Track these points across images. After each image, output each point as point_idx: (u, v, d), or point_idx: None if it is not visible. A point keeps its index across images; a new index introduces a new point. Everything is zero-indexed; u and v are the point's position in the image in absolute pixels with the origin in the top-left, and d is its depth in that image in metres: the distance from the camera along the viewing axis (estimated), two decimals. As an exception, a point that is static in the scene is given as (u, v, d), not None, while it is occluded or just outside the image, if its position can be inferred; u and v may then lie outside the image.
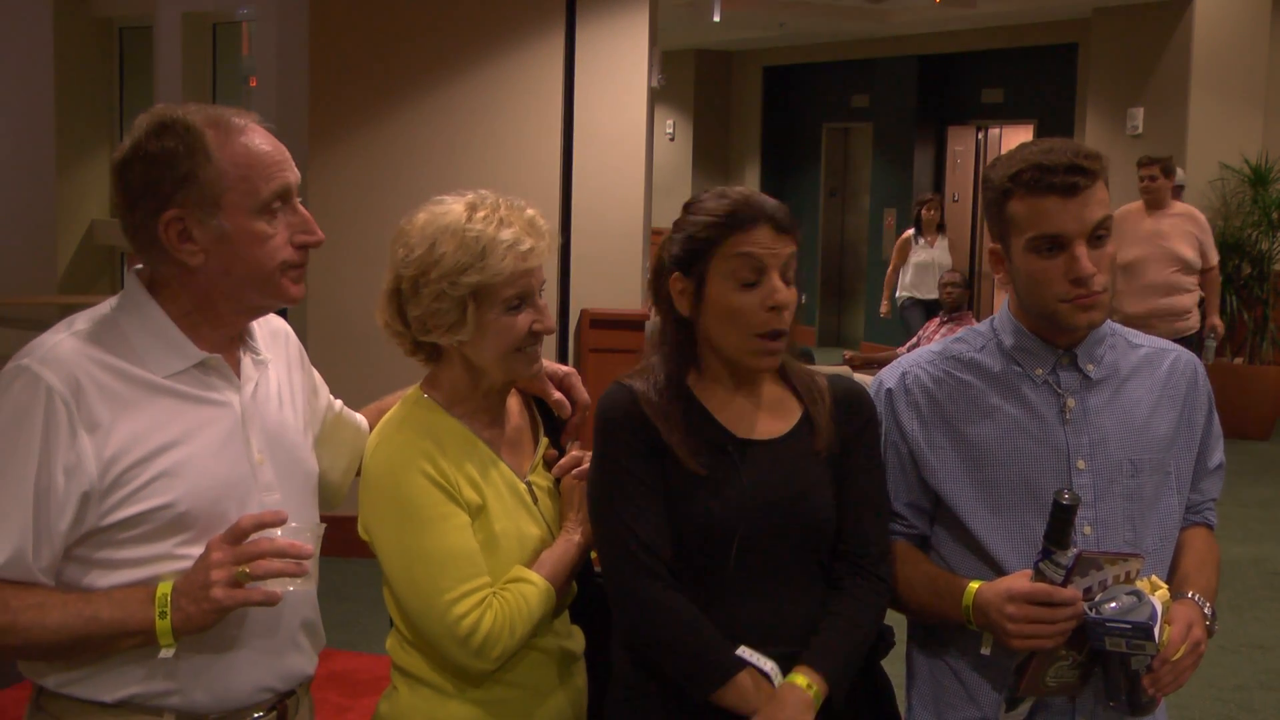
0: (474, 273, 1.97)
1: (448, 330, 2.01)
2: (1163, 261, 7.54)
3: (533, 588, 2.00)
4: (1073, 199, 1.95)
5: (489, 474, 2.05)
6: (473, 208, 2.02)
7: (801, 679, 1.94)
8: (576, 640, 2.16)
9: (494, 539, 2.02)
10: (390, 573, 2.01)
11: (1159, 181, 7.64)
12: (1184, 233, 7.64)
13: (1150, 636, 1.87)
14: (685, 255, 2.02)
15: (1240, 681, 4.96)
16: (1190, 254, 7.61)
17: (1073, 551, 1.90)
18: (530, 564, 2.04)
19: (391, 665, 2.11)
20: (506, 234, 1.99)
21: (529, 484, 2.11)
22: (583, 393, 2.23)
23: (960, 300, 8.07)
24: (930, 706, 2.15)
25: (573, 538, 2.09)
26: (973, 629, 2.00)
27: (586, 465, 2.12)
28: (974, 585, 1.98)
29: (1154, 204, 7.68)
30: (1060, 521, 1.88)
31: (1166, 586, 1.97)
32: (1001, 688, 2.04)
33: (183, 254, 1.82)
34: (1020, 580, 1.93)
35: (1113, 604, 1.89)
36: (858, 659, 2.01)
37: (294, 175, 1.88)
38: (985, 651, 1.99)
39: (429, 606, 1.96)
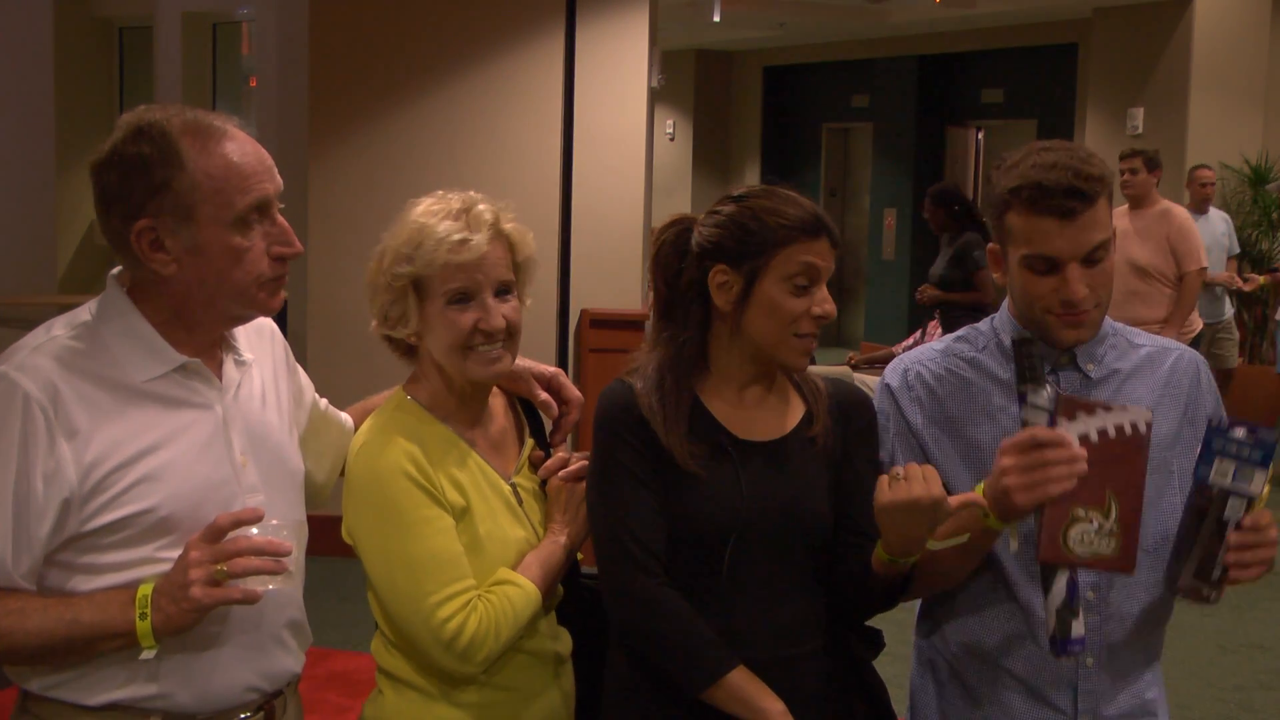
0: (408, 263, 1.97)
1: (398, 323, 2.01)
2: (1119, 267, 7.21)
3: (518, 590, 2.00)
4: (1070, 222, 1.94)
5: (472, 476, 2.04)
6: (436, 200, 2.02)
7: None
8: (563, 642, 2.15)
9: (478, 541, 2.01)
10: (374, 576, 2.00)
11: (1140, 176, 7.10)
12: (1151, 235, 7.06)
13: (1266, 464, 1.80)
14: (738, 250, 2.00)
15: (1240, 681, 4.96)
16: (1147, 258, 7.03)
17: (1047, 392, 1.87)
18: (515, 566, 2.03)
19: (376, 668, 2.10)
20: (444, 226, 1.97)
21: (513, 485, 2.10)
22: (573, 391, 2.22)
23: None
24: (933, 706, 2.15)
25: (558, 539, 2.08)
26: (991, 524, 1.90)
27: (573, 466, 2.12)
28: (982, 483, 1.92)
29: (1135, 201, 7.17)
30: (1024, 359, 1.87)
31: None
32: (1004, 687, 2.04)
33: (155, 263, 1.81)
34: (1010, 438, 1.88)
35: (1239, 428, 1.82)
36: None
37: (274, 185, 1.84)
38: (1013, 547, 1.93)
39: (413, 610, 1.95)
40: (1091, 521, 1.85)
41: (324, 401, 2.18)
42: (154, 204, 1.78)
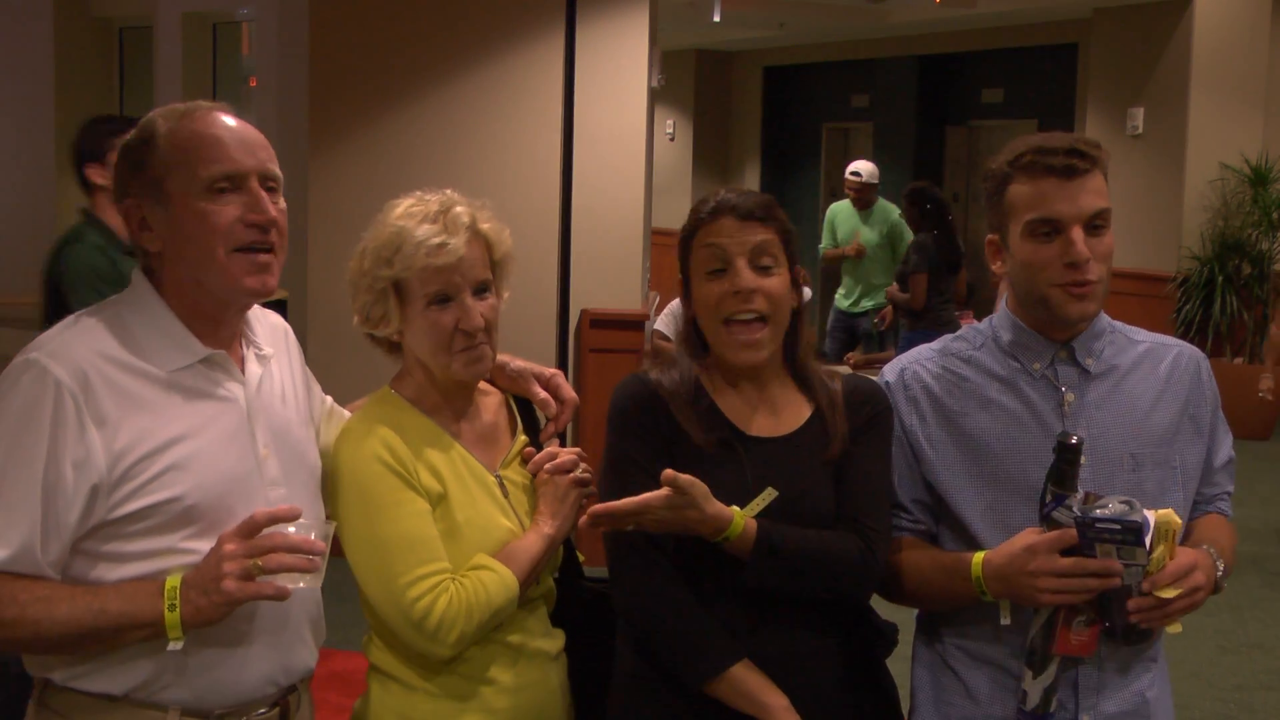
0: (387, 266, 2.00)
1: (379, 323, 2.04)
2: None
3: (493, 575, 2.00)
4: (1070, 181, 1.97)
5: (453, 464, 2.06)
6: (415, 201, 2.04)
7: (739, 511, 1.93)
8: (553, 640, 2.15)
9: (456, 527, 2.02)
10: (351, 559, 2.02)
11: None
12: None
13: (1139, 542, 1.84)
14: (679, 253, 2.08)
15: (1240, 681, 4.97)
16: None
17: (1080, 495, 1.89)
18: (498, 552, 2.04)
19: (367, 666, 2.12)
20: (422, 230, 1.99)
21: (499, 478, 2.12)
22: (570, 392, 2.24)
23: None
24: (931, 705, 2.15)
25: (543, 529, 2.08)
26: (988, 600, 1.98)
27: (560, 459, 2.13)
28: (979, 555, 1.97)
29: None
30: (1066, 464, 1.88)
31: (1180, 520, 1.93)
32: (997, 684, 2.05)
33: (144, 241, 1.87)
34: (1032, 536, 1.91)
35: (1105, 509, 1.88)
36: (802, 562, 1.95)
37: (252, 161, 1.86)
38: (1005, 621, 1.98)
39: (385, 591, 1.98)
40: (1085, 614, 1.95)
41: (329, 399, 2.21)
42: (135, 183, 1.86)
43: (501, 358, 2.20)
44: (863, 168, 8.93)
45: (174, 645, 1.76)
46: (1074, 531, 1.87)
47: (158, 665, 1.81)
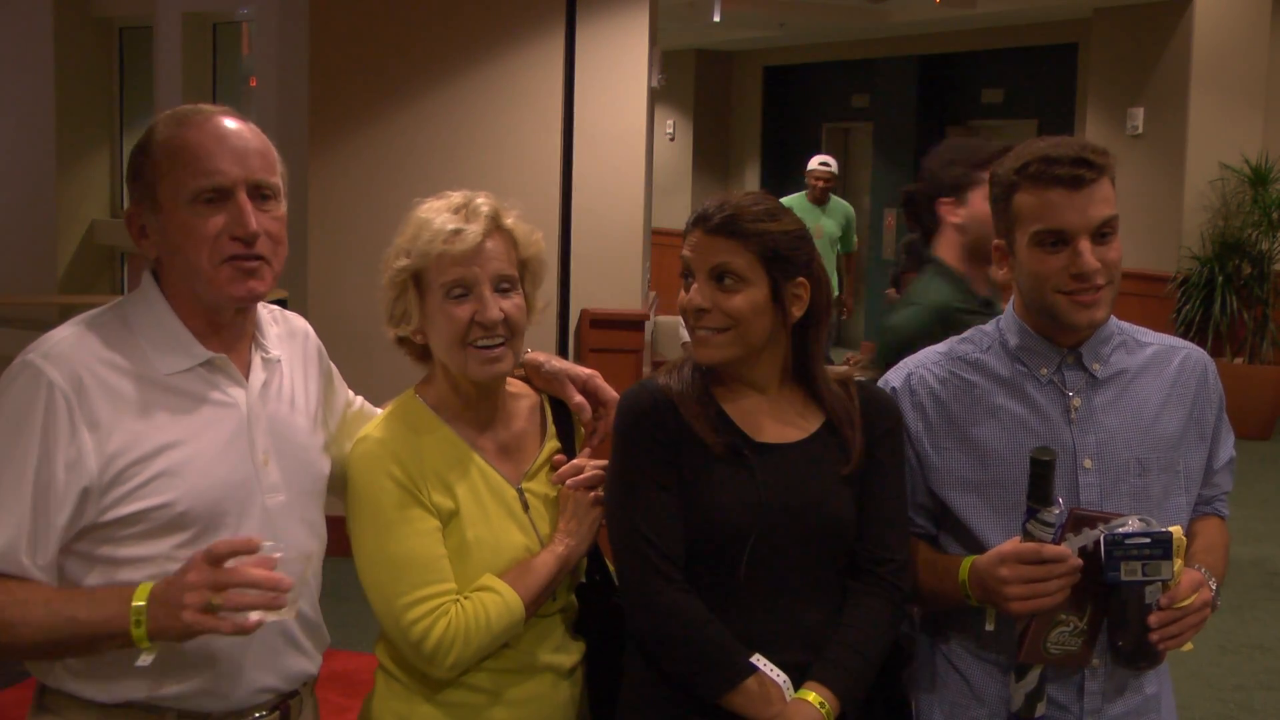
0: (406, 256, 1.98)
1: (401, 320, 2.02)
2: None
3: (495, 598, 1.98)
4: (1077, 192, 1.96)
5: (470, 479, 2.03)
6: (440, 198, 2.03)
7: (813, 695, 1.93)
8: (568, 654, 2.12)
9: (465, 546, 2.00)
10: (359, 570, 2.01)
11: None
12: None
13: (1169, 555, 1.87)
14: None
15: (1240, 681, 4.97)
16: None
17: (1057, 510, 1.90)
18: (507, 572, 2.02)
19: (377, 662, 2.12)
20: (440, 219, 1.97)
21: (520, 490, 2.08)
22: (610, 392, 2.18)
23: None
24: (936, 705, 2.15)
25: (556, 549, 2.05)
26: (974, 605, 1.99)
27: (585, 475, 2.10)
28: (969, 560, 1.98)
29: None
30: (1039, 479, 1.89)
31: (1184, 535, 1.95)
32: (1002, 684, 2.05)
33: (143, 248, 1.87)
34: (1011, 544, 1.93)
35: (1126, 528, 1.90)
36: (871, 673, 2.00)
37: (236, 172, 1.83)
38: (989, 628, 1.99)
39: (387, 608, 1.97)
40: (1069, 625, 1.95)
41: (359, 399, 2.18)
42: (136, 191, 1.85)
43: (538, 356, 2.15)
44: (830, 160, 8.96)
45: (143, 660, 1.73)
46: (1050, 545, 1.89)
47: (148, 672, 1.78)
